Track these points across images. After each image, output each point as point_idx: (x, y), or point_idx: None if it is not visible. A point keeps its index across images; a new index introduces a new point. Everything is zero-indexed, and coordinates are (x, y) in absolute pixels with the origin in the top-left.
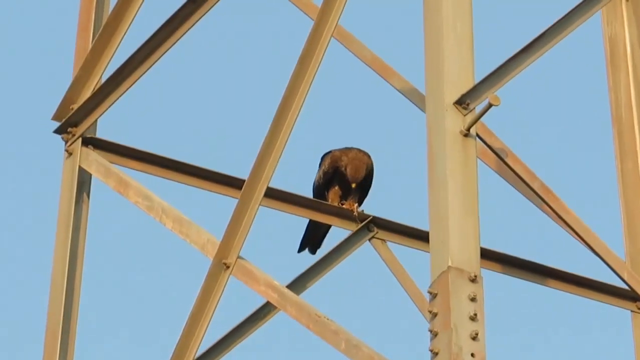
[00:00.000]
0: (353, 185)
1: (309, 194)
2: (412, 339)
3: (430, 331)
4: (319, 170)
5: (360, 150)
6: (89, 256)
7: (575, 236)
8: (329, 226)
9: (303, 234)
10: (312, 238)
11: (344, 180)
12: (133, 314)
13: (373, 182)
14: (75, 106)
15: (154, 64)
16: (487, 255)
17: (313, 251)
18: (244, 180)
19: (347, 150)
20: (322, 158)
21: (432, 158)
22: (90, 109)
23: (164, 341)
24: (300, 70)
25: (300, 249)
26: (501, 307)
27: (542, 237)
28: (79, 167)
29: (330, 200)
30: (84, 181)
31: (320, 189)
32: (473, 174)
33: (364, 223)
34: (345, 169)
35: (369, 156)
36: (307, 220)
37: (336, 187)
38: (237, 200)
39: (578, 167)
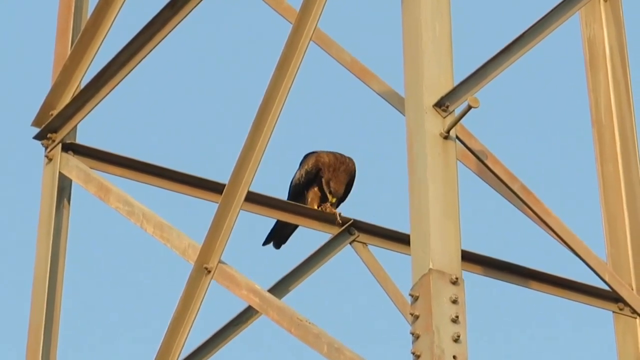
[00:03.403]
0: (333, 200)
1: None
2: (394, 341)
3: (412, 334)
4: (300, 169)
5: (346, 162)
6: (70, 262)
7: (557, 238)
8: (297, 225)
9: (271, 228)
10: (279, 233)
11: (323, 186)
12: (114, 319)
13: (353, 186)
14: (55, 112)
15: (133, 69)
16: (469, 257)
17: (277, 246)
18: (224, 185)
19: (335, 159)
20: (306, 157)
21: (412, 161)
22: (69, 115)
23: (145, 346)
24: (280, 74)
25: (265, 243)
26: (483, 310)
27: (523, 239)
28: (59, 172)
29: (309, 200)
30: (64, 187)
31: (300, 188)
32: (453, 176)
33: (345, 226)
34: (328, 183)
35: (353, 163)
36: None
37: (316, 189)
38: (217, 205)
39: (558, 168)
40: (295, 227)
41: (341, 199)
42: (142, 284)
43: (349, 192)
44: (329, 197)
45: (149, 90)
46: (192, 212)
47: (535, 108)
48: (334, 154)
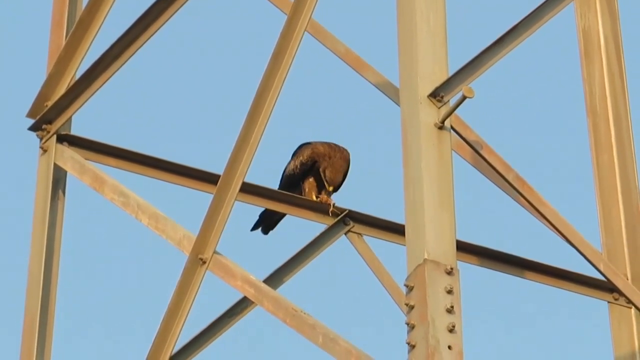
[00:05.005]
0: (330, 189)
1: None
2: (390, 332)
3: (407, 324)
4: (294, 159)
5: (341, 151)
6: (65, 253)
7: (552, 228)
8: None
9: (260, 213)
10: (268, 219)
11: (320, 176)
12: (110, 310)
13: (348, 176)
14: (50, 103)
15: (128, 59)
16: (464, 247)
17: (265, 231)
18: (219, 176)
19: (330, 148)
20: (300, 148)
21: (407, 151)
22: (64, 106)
23: (141, 337)
24: (274, 65)
25: (254, 228)
26: (478, 300)
27: (518, 229)
28: (54, 164)
29: (306, 191)
30: (59, 178)
31: (295, 179)
32: (448, 166)
33: (339, 217)
34: (324, 172)
35: (347, 152)
36: None
37: (312, 179)
38: (212, 196)
39: (553, 158)
40: (284, 213)
41: (335, 189)
42: (137, 275)
43: (343, 182)
44: (327, 185)
45: (143, 81)
46: (187, 203)
47: (530, 98)
48: (328, 144)
